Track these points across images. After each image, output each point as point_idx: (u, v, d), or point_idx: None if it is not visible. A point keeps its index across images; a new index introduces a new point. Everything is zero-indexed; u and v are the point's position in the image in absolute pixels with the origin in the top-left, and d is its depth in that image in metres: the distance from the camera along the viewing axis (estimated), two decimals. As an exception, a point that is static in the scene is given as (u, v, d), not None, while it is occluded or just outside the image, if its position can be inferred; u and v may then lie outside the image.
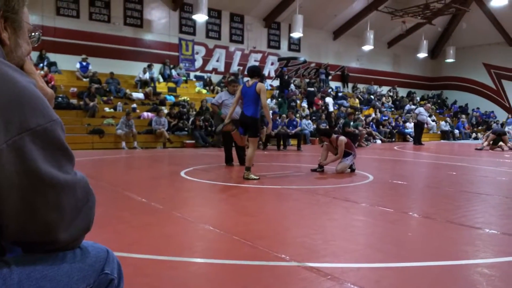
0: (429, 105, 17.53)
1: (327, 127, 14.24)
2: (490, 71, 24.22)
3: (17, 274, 0.78)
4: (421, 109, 15.60)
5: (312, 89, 18.66)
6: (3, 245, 0.85)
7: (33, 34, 0.99)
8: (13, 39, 0.90)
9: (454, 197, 4.62)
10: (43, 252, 0.84)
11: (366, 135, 15.41)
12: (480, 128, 22.10)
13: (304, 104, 17.19)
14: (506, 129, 18.62)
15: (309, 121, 15.02)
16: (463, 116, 22.49)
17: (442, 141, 19.64)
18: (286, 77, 18.30)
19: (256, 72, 5.94)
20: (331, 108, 17.45)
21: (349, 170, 6.58)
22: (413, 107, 21.89)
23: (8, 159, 0.73)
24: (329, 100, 18.10)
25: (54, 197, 0.78)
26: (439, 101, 25.45)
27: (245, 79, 18.45)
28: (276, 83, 18.92)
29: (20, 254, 0.85)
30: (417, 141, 15.46)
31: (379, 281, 2.11)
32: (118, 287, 0.97)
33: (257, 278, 2.14)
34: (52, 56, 13.97)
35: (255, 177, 5.67)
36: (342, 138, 6.52)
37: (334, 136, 6.59)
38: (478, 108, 23.83)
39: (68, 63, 14.16)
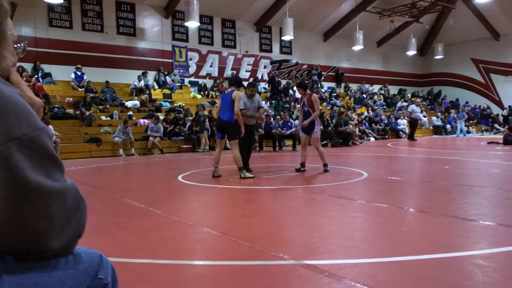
0: (419, 100, 17.55)
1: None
2: (479, 66, 24.53)
3: (8, 283, 0.77)
4: (413, 106, 15.78)
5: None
6: None
7: (18, 45, 0.99)
8: None
9: (448, 190, 4.69)
10: (35, 260, 0.82)
11: (359, 133, 15.54)
12: (471, 122, 22.31)
13: (298, 105, 17.32)
14: (459, 123, 19.12)
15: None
16: (453, 110, 22.72)
17: (434, 136, 19.82)
18: (278, 79, 18.43)
19: (235, 81, 6.45)
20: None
21: (323, 169, 6.55)
22: (404, 104, 22.09)
23: None
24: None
25: (43, 205, 0.77)
26: (429, 97, 25.68)
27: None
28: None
29: (11, 262, 0.83)
30: (411, 137, 15.69)
31: (376, 275, 2.15)
32: None
33: (256, 278, 2.18)
34: (47, 67, 14.09)
35: (250, 175, 6.04)
36: (316, 95, 6.64)
37: (308, 91, 6.68)
38: (467, 103, 24.07)
39: (62, 73, 14.27)
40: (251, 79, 18.83)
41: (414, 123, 15.68)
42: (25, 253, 0.82)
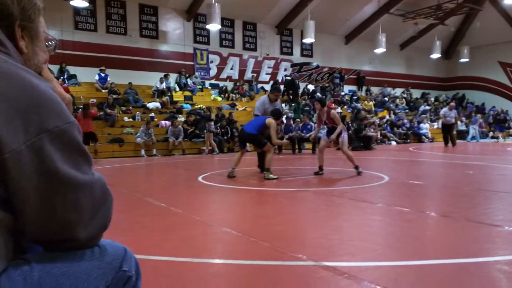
0: (453, 103, 15.76)
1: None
2: (506, 69, 23.82)
3: (37, 271, 0.80)
4: (446, 110, 14.50)
5: (289, 77, 18.56)
6: (24, 244, 0.87)
7: (49, 43, 1.02)
8: (31, 47, 0.92)
9: (471, 195, 4.59)
10: (63, 250, 0.85)
11: (381, 137, 15.32)
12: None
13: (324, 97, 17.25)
14: (471, 128, 18.45)
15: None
16: (479, 115, 22.12)
17: (458, 140, 19.32)
18: (298, 82, 18.40)
19: (275, 114, 6.45)
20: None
21: (356, 173, 6.44)
22: (427, 107, 21.60)
23: (28, 159, 0.75)
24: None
25: (72, 197, 0.80)
26: (454, 101, 25.11)
27: (258, 84, 18.56)
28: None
29: (40, 252, 0.86)
30: (449, 141, 14.25)
31: (397, 279, 2.12)
32: (136, 284, 0.98)
33: (275, 278, 2.18)
34: (72, 69, 14.45)
35: (274, 177, 6.09)
36: (333, 111, 6.63)
37: (325, 109, 6.62)
38: (494, 107, 23.40)
39: (87, 75, 14.62)
40: (271, 82, 18.91)
41: (445, 128, 14.34)
42: (54, 243, 0.85)
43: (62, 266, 0.83)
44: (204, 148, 12.62)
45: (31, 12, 0.91)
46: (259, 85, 18.76)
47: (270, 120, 6.20)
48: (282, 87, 19.19)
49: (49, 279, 0.80)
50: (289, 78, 18.48)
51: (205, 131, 12.44)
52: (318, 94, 18.48)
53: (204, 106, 15.04)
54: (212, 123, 12.59)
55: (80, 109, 11.24)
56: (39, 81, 0.81)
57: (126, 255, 0.97)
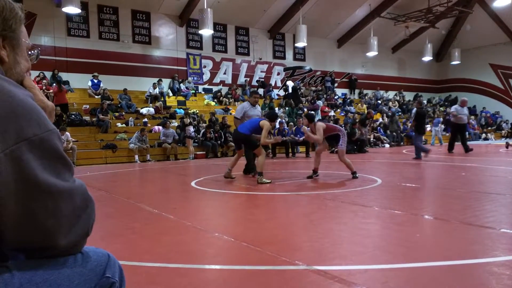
0: (465, 98, 12.18)
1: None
2: (497, 71, 24.08)
3: (18, 278, 0.79)
4: (457, 107, 11.73)
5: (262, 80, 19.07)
6: (5, 252, 0.86)
7: (32, 51, 1.03)
8: (12, 56, 0.93)
9: (463, 197, 4.62)
10: (45, 257, 0.85)
11: (374, 140, 15.38)
12: (489, 128, 21.84)
13: (312, 112, 17.32)
14: (433, 129, 17.88)
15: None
16: (472, 117, 22.32)
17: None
18: (300, 89, 18.53)
19: (270, 116, 6.57)
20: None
21: (352, 177, 6.46)
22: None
23: (6, 168, 0.75)
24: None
25: (52, 204, 0.80)
26: (446, 103, 25.34)
27: (252, 89, 18.73)
28: (282, 92, 19.18)
29: (22, 260, 0.87)
30: (465, 147, 11.60)
31: (386, 282, 2.12)
32: None
33: (265, 283, 2.18)
34: (65, 75, 14.42)
35: (267, 181, 6.09)
36: (319, 123, 6.49)
37: (313, 123, 6.47)
38: (484, 108, 23.62)
39: (80, 81, 14.61)
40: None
41: (456, 129, 11.56)
42: (35, 250, 0.85)
43: (43, 274, 0.83)
44: (202, 153, 12.67)
45: (13, 22, 0.91)
46: (252, 89, 18.81)
47: (264, 122, 6.23)
48: (277, 91, 19.35)
49: (30, 286, 0.80)
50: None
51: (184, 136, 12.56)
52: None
53: (197, 111, 15.07)
54: (191, 127, 12.63)
55: (55, 84, 12.94)
56: (17, 90, 0.81)
57: (110, 261, 0.98)
